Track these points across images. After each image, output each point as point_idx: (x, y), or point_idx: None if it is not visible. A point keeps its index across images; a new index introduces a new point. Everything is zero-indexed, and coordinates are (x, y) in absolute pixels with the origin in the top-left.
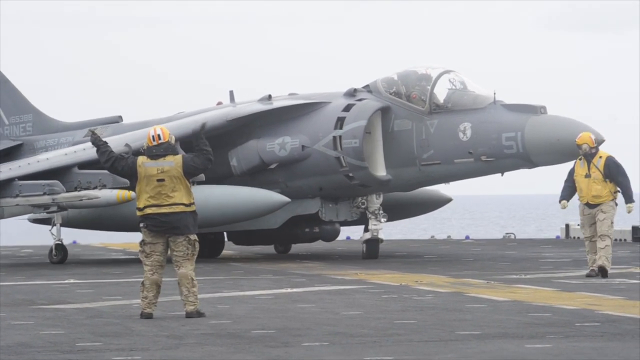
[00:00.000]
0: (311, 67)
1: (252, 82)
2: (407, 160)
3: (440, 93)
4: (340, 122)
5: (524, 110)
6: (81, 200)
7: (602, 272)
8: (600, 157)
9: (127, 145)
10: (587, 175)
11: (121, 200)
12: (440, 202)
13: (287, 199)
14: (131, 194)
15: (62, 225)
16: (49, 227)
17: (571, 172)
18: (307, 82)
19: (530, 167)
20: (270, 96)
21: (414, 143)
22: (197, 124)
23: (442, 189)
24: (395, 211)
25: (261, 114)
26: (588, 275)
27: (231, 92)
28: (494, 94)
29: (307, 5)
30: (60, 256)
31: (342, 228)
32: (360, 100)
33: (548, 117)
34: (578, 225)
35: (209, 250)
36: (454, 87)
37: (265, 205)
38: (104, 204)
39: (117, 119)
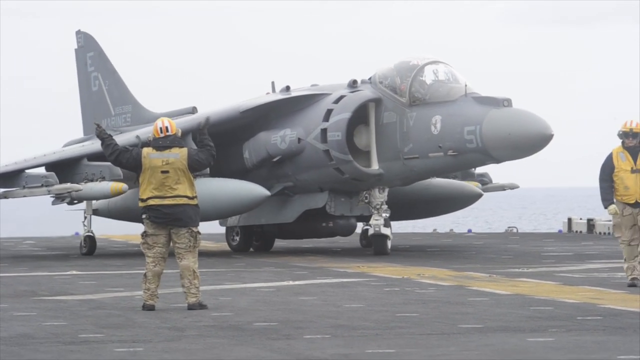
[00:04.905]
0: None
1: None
2: (393, 154)
3: (422, 84)
4: (328, 114)
5: (489, 103)
6: (69, 192)
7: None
8: None
9: (137, 137)
10: (635, 171)
11: (114, 192)
12: (471, 197)
13: (267, 192)
14: (123, 186)
15: (104, 216)
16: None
17: (607, 168)
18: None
19: (494, 163)
20: (288, 87)
21: (397, 136)
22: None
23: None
24: (429, 207)
25: (270, 105)
26: (631, 285)
27: (272, 83)
28: (465, 85)
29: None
30: (87, 248)
31: (359, 223)
32: (355, 91)
33: (507, 110)
34: (605, 223)
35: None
36: (435, 79)
37: (247, 198)
38: (94, 196)
39: (192, 110)
